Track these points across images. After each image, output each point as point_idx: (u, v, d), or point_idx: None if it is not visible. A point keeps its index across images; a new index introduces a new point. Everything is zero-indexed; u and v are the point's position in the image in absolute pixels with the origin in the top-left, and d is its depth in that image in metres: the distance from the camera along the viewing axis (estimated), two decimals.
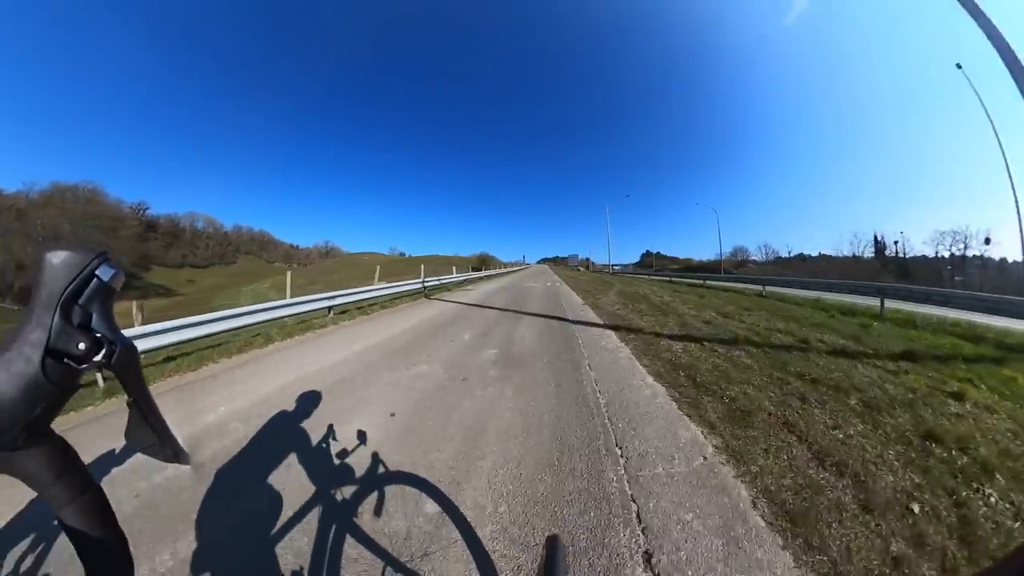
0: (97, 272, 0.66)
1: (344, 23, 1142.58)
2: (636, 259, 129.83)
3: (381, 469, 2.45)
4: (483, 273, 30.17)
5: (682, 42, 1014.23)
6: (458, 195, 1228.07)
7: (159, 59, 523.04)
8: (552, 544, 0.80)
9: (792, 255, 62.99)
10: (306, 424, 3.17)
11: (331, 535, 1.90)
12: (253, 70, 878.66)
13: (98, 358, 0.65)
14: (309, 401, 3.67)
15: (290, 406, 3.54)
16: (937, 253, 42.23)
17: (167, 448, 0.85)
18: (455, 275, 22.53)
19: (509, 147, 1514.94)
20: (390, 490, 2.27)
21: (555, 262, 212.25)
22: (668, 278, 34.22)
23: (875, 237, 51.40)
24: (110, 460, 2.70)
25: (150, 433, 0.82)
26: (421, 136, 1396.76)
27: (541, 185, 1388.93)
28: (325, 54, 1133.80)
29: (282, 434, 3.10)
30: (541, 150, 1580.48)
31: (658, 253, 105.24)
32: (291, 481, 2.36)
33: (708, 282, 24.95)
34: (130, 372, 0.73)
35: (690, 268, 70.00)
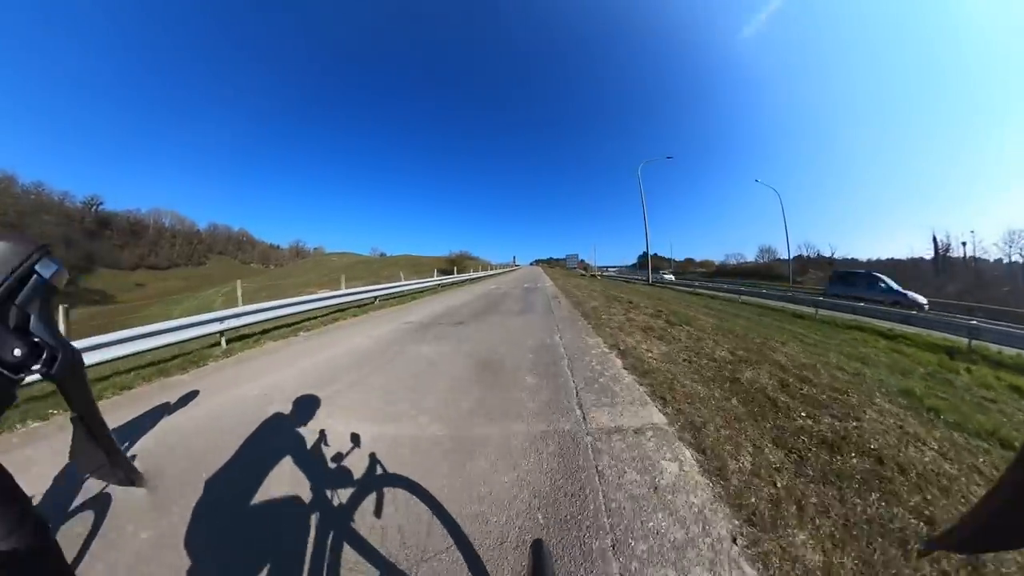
0: (37, 268, 0.56)
1: (330, 16, 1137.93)
2: (632, 260, 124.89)
3: None
4: (438, 280, 20.46)
5: (682, 34, 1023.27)
6: (451, 195, 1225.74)
7: (132, 51, 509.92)
8: (537, 548, 0.80)
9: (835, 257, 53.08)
10: None
11: None
12: (249, 68, 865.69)
13: (37, 366, 0.56)
14: None
15: None
16: (1009, 256, 35.64)
17: (118, 470, 0.74)
18: (380, 287, 14.64)
19: (506, 147, 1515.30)
20: None
21: (550, 263, 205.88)
22: (692, 286, 29.19)
23: (934, 237, 41.67)
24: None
25: (99, 453, 0.70)
26: (412, 135, 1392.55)
27: (536, 186, 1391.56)
28: (316, 47, 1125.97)
29: None
30: (538, 152, 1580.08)
31: (655, 255, 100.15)
32: None
33: (743, 298, 19.93)
34: (74, 383, 0.63)
35: (721, 273, 61.81)
